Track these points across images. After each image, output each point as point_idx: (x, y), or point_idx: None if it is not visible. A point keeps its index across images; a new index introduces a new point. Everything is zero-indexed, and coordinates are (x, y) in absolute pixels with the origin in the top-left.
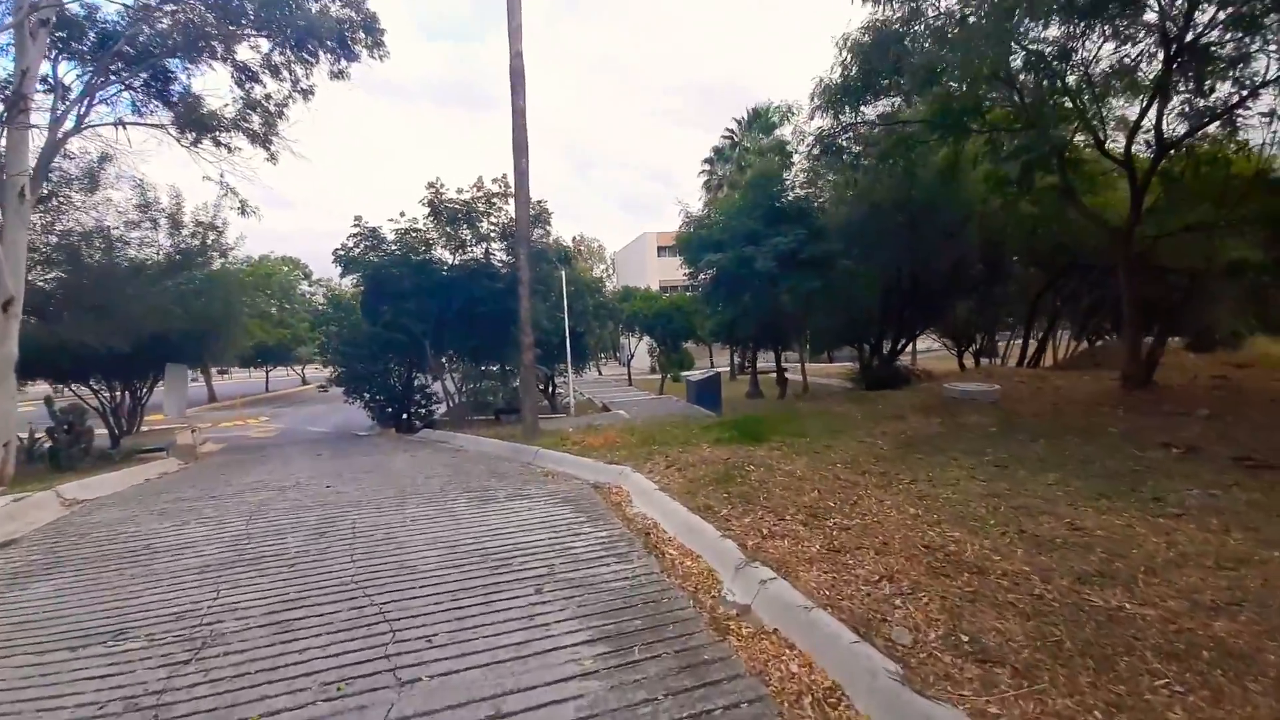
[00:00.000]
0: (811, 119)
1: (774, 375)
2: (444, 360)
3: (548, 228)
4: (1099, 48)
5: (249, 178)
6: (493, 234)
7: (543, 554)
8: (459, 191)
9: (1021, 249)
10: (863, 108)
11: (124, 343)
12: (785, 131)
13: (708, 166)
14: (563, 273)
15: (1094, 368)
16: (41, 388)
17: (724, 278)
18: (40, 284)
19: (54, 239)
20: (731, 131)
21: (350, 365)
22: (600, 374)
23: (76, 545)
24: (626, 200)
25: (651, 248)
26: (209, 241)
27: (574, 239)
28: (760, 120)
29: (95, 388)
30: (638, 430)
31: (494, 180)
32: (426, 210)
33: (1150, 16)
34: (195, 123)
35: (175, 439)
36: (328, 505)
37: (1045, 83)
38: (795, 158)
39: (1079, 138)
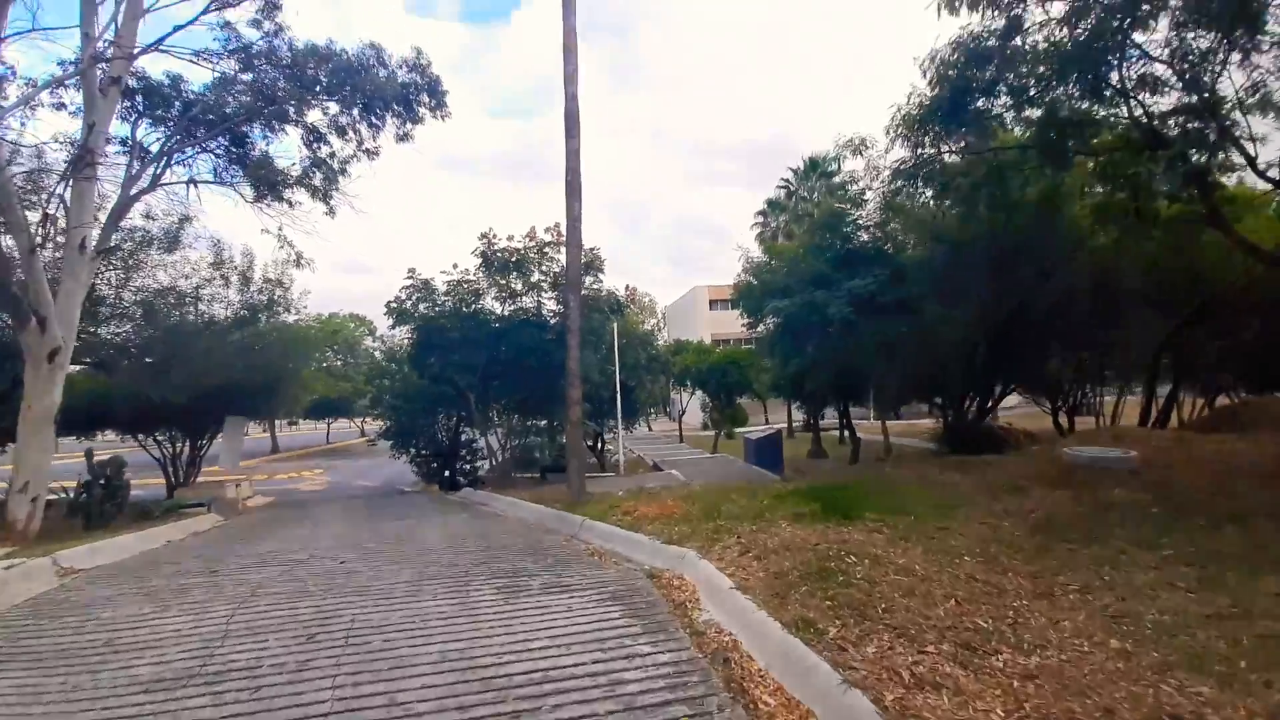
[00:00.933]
0: (888, 151)
1: (835, 433)
2: (490, 414)
3: (600, 276)
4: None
5: (308, 231)
6: (544, 283)
7: (584, 689)
8: (509, 239)
9: (1140, 289)
10: (949, 135)
11: (183, 395)
12: (854, 166)
13: (761, 219)
14: (614, 324)
15: (1238, 429)
16: (107, 439)
17: (790, 326)
18: (106, 336)
19: (130, 294)
20: (787, 181)
21: (399, 419)
22: (650, 429)
23: (42, 632)
24: (675, 257)
25: (703, 301)
26: (275, 297)
27: (626, 288)
28: (817, 169)
29: (159, 439)
30: (697, 497)
31: (547, 229)
32: (478, 261)
33: None
34: (263, 180)
35: (220, 493)
36: (331, 591)
37: (1189, 95)
38: (869, 194)
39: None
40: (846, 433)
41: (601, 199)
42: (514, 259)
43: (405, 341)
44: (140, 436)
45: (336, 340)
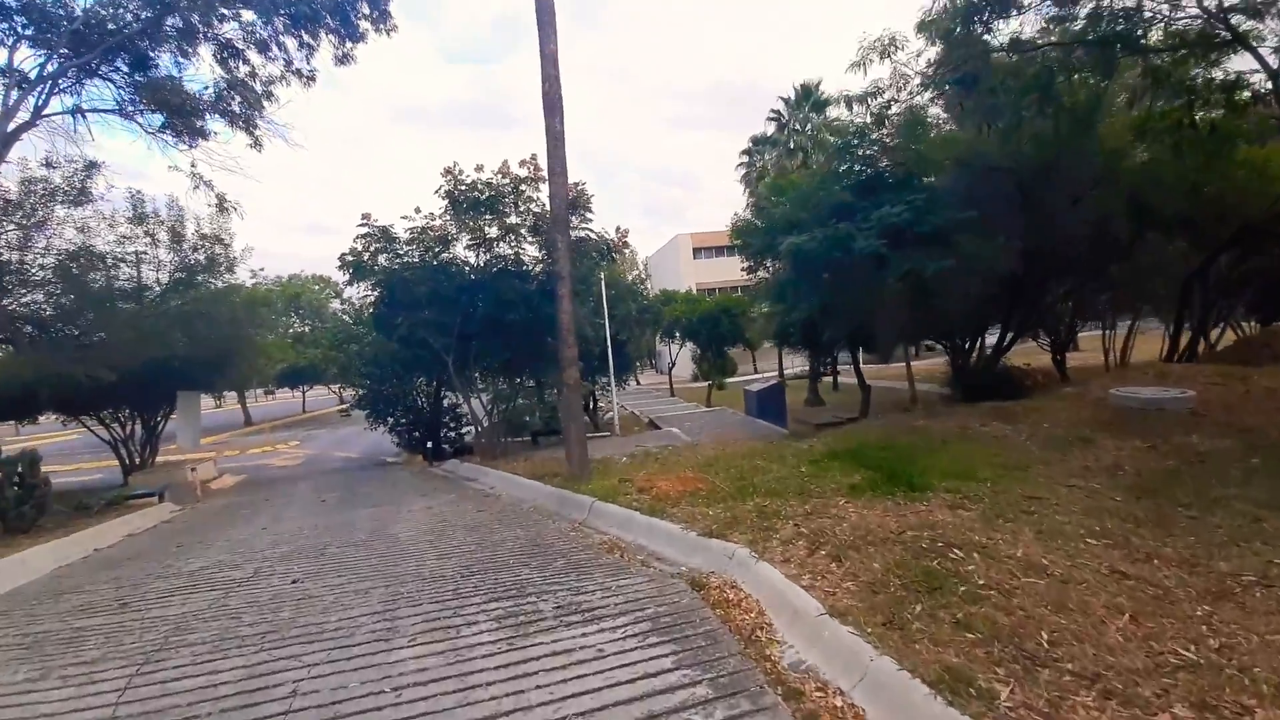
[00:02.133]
0: (919, 55)
1: (828, 380)
2: (473, 376)
3: (588, 215)
4: None
5: (231, 169)
6: (522, 227)
7: None
8: (479, 170)
9: (1175, 214)
10: (991, 29)
11: (112, 372)
12: (880, 74)
13: (745, 158)
14: (602, 273)
15: (1273, 361)
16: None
17: (807, 264)
18: (14, 308)
19: (35, 257)
20: (777, 113)
21: (372, 387)
22: (638, 384)
23: None
24: (649, 207)
25: (686, 250)
26: (215, 256)
27: (617, 230)
28: (810, 98)
29: (107, 420)
30: (718, 466)
31: (522, 163)
32: (444, 203)
33: None
34: (167, 105)
35: (176, 478)
36: (272, 635)
37: None
38: (895, 108)
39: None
40: (838, 381)
41: (568, 148)
42: (485, 197)
43: (364, 300)
44: (86, 418)
45: (300, 303)
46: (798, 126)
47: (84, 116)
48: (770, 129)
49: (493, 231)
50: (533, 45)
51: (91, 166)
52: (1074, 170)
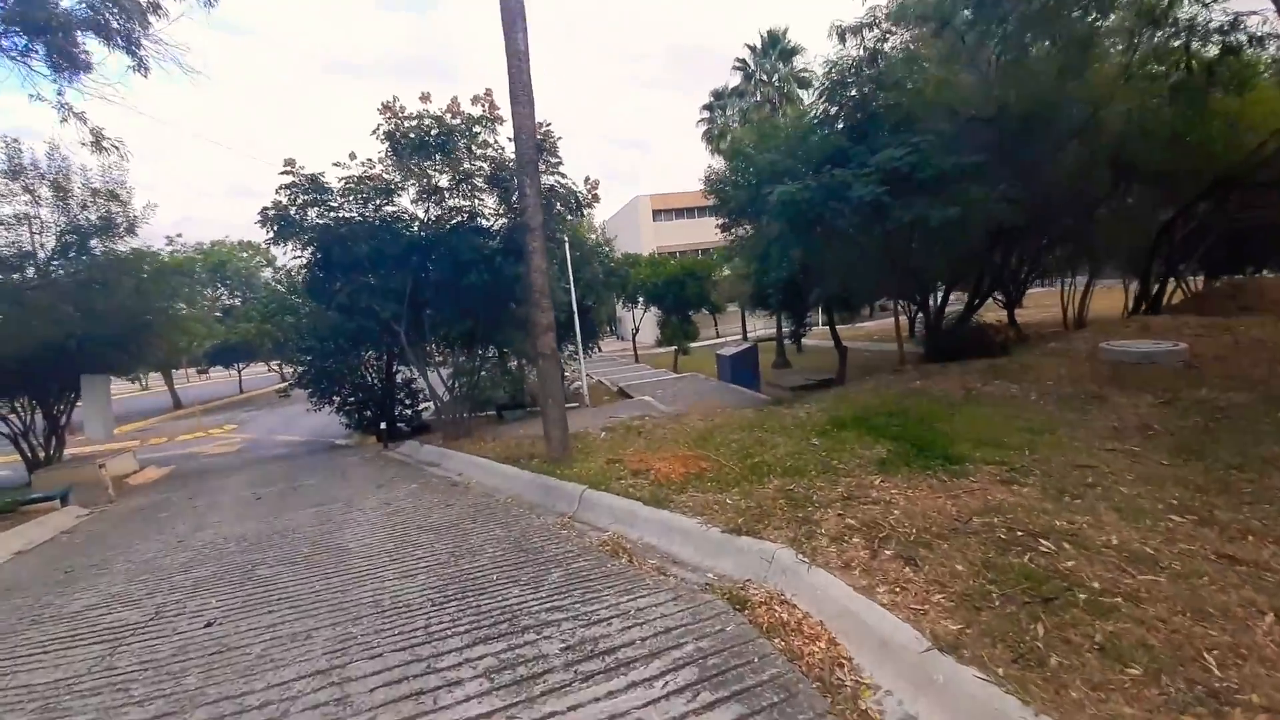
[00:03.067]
0: None
1: (789, 343)
2: (430, 348)
3: (553, 160)
4: None
5: (109, 98)
6: (478, 175)
7: None
8: (424, 101)
9: (1153, 166)
10: None
11: None
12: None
13: (707, 114)
14: (566, 235)
15: (1242, 310)
16: None
17: (795, 216)
18: None
19: None
20: (743, 62)
21: (313, 363)
22: (600, 351)
23: None
24: (604, 171)
25: (645, 212)
26: (111, 215)
27: (587, 180)
28: (778, 46)
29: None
30: (716, 439)
31: (475, 99)
32: (384, 146)
33: None
34: (25, 20)
35: (84, 476)
36: None
37: None
38: (892, 40)
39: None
40: (802, 344)
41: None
42: (434, 134)
43: (300, 263)
44: None
45: (226, 273)
46: (764, 77)
47: None
48: (735, 80)
49: (444, 180)
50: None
51: None
52: (1061, 119)
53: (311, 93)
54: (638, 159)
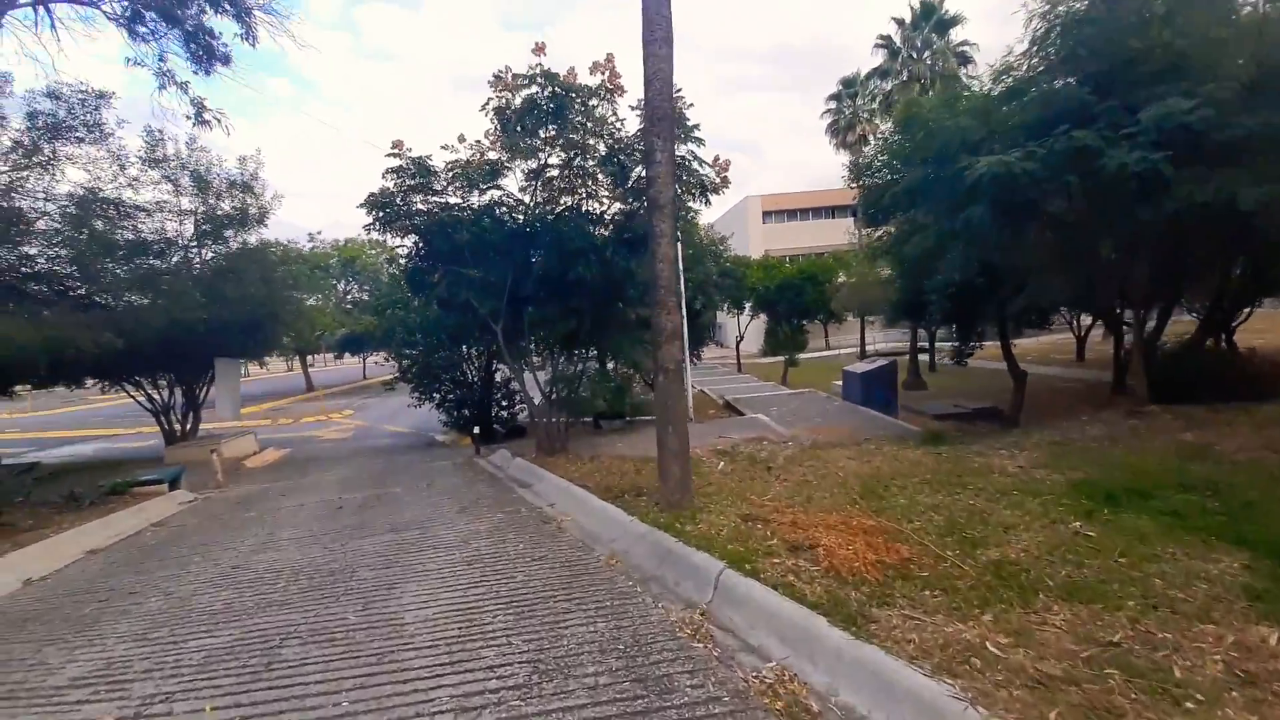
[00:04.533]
0: None
1: (923, 359)
2: (528, 348)
3: (690, 134)
4: None
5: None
6: (591, 152)
7: None
8: (537, 52)
9: None
10: None
11: (118, 339)
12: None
13: (832, 105)
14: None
15: None
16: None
17: (1006, 198)
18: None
19: (31, 202)
20: (887, 39)
21: (419, 358)
22: (700, 359)
23: None
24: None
25: (755, 214)
26: (245, 206)
27: (716, 160)
28: (932, 17)
29: (146, 388)
30: (894, 498)
31: (595, 67)
32: (493, 126)
33: None
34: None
35: (203, 457)
36: None
37: None
38: None
39: None
40: (934, 360)
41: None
42: (548, 94)
43: (401, 252)
44: (127, 384)
45: (355, 268)
46: (913, 53)
47: (48, 10)
48: (878, 59)
49: (554, 158)
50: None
51: (101, 97)
52: None
53: (443, 107)
54: (747, 162)
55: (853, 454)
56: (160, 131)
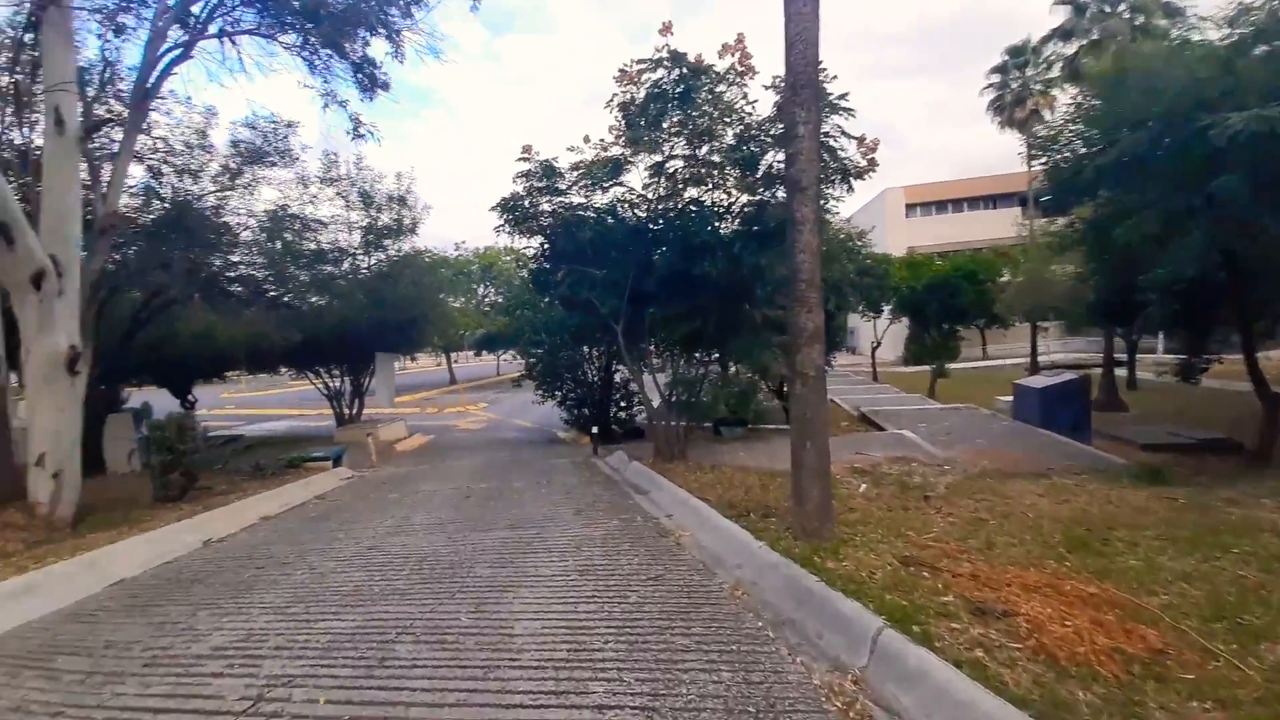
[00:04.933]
0: None
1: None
2: (647, 349)
3: (835, 102)
4: None
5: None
6: (718, 142)
7: None
8: (664, 32)
9: None
10: None
11: (298, 334)
12: None
13: (996, 78)
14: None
15: None
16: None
17: (1256, 165)
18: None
19: (235, 218)
20: None
21: (543, 357)
22: (831, 366)
23: None
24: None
25: (896, 207)
26: (401, 218)
27: (860, 141)
28: None
29: (323, 375)
30: (1118, 554)
31: (724, 49)
32: (618, 121)
33: None
34: (317, 20)
35: (361, 439)
36: None
37: None
38: None
39: None
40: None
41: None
42: (672, 79)
43: (528, 254)
44: (310, 373)
45: (493, 273)
46: (1106, 8)
47: (233, 41)
48: (1059, 17)
49: (679, 147)
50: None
51: (289, 126)
52: None
53: (574, 121)
54: (887, 153)
55: (1040, 489)
56: (335, 155)
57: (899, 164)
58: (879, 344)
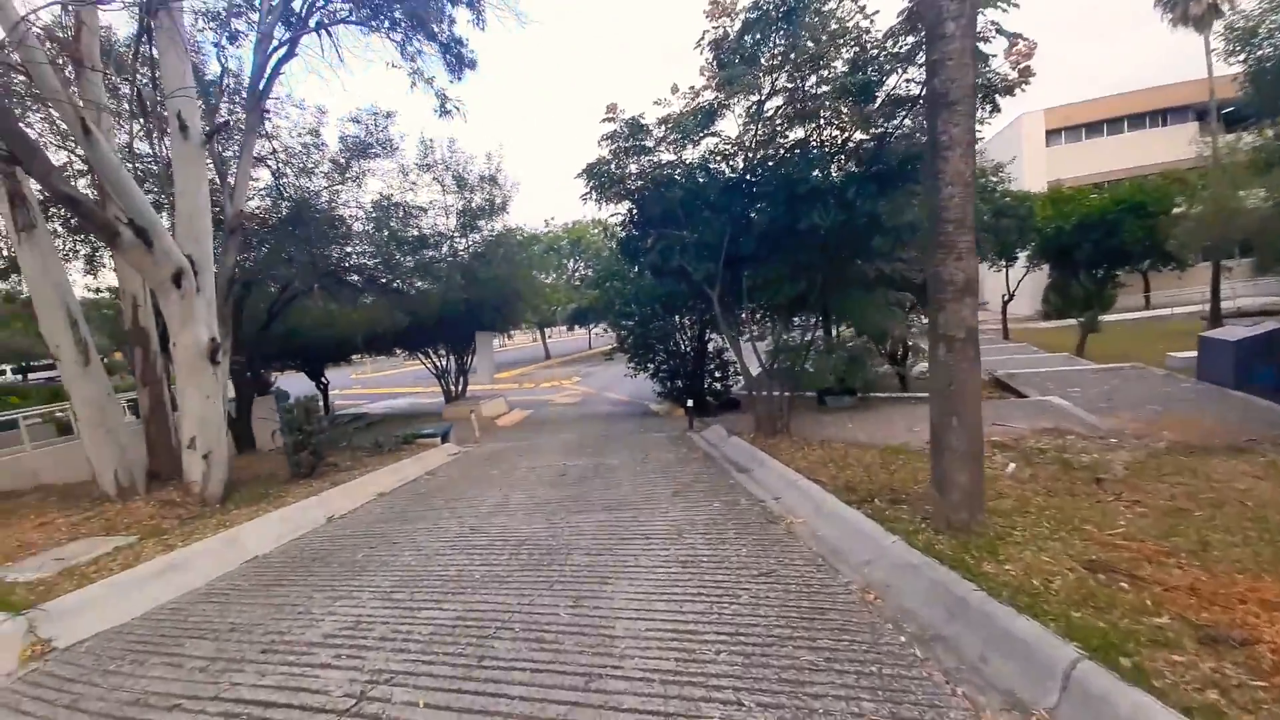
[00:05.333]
0: None
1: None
2: (744, 315)
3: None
4: None
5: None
6: (827, 61)
7: None
8: None
9: None
10: None
11: (405, 317)
12: None
13: None
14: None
15: None
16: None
17: None
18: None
19: (355, 211)
20: None
21: (634, 329)
22: None
23: None
24: None
25: (1034, 134)
26: (493, 197)
27: (1011, 47)
28: None
29: (432, 355)
30: None
31: None
32: (707, 61)
33: None
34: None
35: (466, 415)
36: None
37: None
38: None
39: None
40: None
41: None
42: (778, 6)
43: (616, 221)
44: (421, 354)
45: (582, 247)
46: None
47: (330, 34)
48: None
49: (781, 79)
50: None
51: (388, 116)
52: None
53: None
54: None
55: (1256, 468)
56: (431, 141)
57: (1032, 90)
58: (1011, 296)
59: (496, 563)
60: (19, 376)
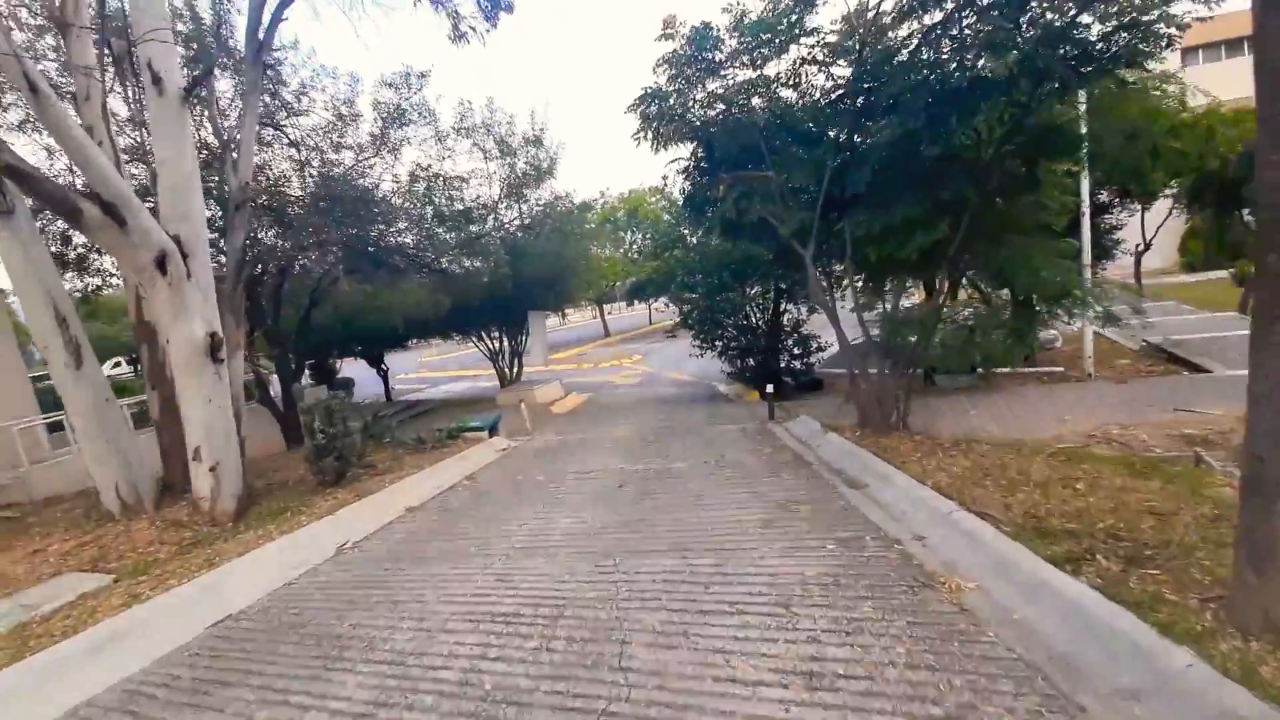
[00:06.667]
0: None
1: None
2: (844, 278)
3: None
4: None
5: None
6: None
7: None
8: None
9: None
10: None
11: (447, 299)
12: None
13: None
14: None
15: None
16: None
17: None
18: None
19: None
20: None
21: (698, 302)
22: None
23: None
24: None
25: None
26: (537, 161)
27: None
28: None
29: (484, 337)
30: None
31: None
32: None
33: None
34: None
35: (516, 401)
36: None
37: None
38: None
39: None
40: None
41: None
42: None
43: (677, 168)
44: (474, 337)
45: (638, 217)
46: None
47: None
48: None
49: None
50: None
51: (422, 76)
52: None
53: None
54: None
55: None
56: (469, 102)
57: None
58: (1147, 246)
59: (518, 654)
60: (131, 369)
